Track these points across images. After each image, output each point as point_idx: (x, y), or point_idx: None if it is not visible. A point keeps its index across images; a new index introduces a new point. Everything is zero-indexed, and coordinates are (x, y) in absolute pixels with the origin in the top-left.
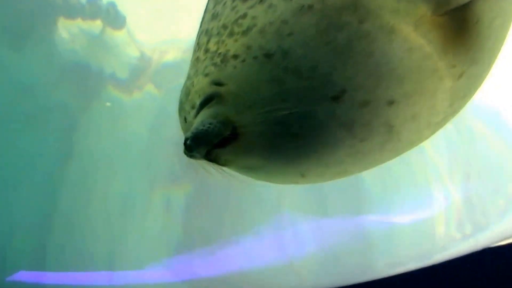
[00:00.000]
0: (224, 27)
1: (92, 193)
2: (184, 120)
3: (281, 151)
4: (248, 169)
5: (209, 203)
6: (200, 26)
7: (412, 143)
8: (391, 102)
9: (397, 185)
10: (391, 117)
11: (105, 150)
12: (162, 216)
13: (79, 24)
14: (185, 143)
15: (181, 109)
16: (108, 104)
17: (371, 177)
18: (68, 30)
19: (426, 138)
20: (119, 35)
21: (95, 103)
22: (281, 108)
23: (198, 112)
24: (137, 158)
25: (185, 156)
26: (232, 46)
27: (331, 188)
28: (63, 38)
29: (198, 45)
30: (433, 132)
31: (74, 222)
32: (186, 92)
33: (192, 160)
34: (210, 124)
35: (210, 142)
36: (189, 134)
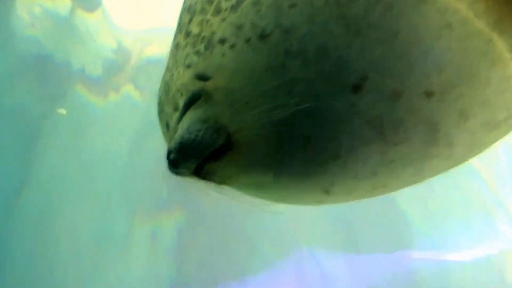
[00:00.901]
0: (209, 1)
1: (56, 226)
2: (166, 126)
3: (292, 161)
4: (253, 187)
5: (208, 235)
6: (184, 1)
7: (467, 150)
8: (429, 94)
9: (447, 215)
10: (432, 113)
11: (73, 170)
12: (147, 251)
13: (42, 2)
14: (168, 157)
15: (161, 111)
16: (63, 112)
17: (413, 203)
18: (28, 11)
19: (487, 144)
20: (91, 19)
21: (59, 108)
22: (286, 104)
23: (182, 115)
24: (113, 179)
25: (172, 174)
26: (219, 27)
27: (362, 217)
28: (21, 21)
29: (179, 26)
30: (496, 137)
31: (34, 264)
32: (166, 89)
33: (182, 179)
34: (198, 131)
35: (200, 155)
36: (172, 145)
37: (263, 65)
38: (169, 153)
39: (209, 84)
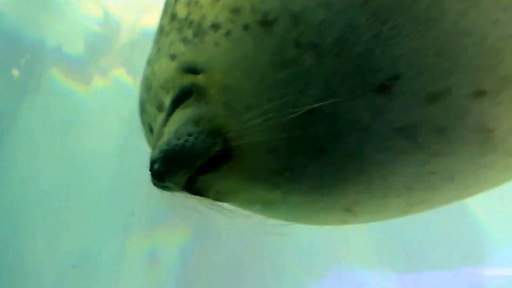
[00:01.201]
0: None
1: (31, 246)
2: (149, 129)
3: (304, 176)
4: (259, 205)
5: (219, 255)
6: None
7: None
8: (479, 93)
9: None
10: (484, 116)
11: (50, 175)
12: (143, 276)
13: None
14: (151, 168)
15: (142, 111)
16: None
17: (486, 208)
18: None
19: None
20: None
21: (32, 97)
22: (296, 106)
23: (168, 116)
24: (101, 186)
25: (158, 189)
26: (211, 9)
27: (419, 225)
28: None
29: (165, 6)
30: None
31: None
32: (147, 85)
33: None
34: (188, 135)
35: (191, 165)
36: (156, 153)
37: (267, 59)
38: (152, 163)
39: (200, 78)
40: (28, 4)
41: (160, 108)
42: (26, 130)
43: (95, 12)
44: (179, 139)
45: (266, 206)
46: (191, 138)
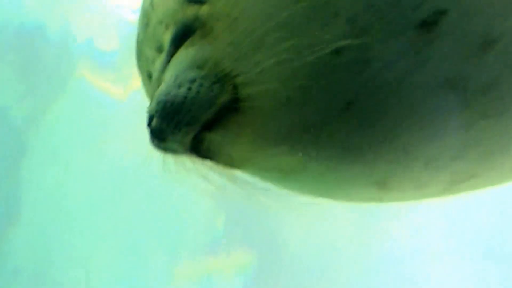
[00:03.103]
0: None
1: (66, 275)
2: (148, 76)
3: (328, 135)
4: (276, 174)
5: (291, 282)
6: None
7: None
8: None
9: None
10: None
11: (80, 194)
12: None
13: None
14: (149, 124)
15: (140, 55)
16: None
17: None
18: None
19: None
20: None
21: (59, 102)
22: (319, 44)
23: (169, 59)
24: (143, 206)
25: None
26: None
27: None
28: None
29: None
30: None
31: None
32: (144, 21)
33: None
34: (191, 81)
35: (195, 120)
36: (153, 106)
37: None
38: (150, 118)
39: (205, 10)
40: None
41: (159, 49)
42: (52, 141)
43: (130, 0)
44: (180, 87)
45: (285, 175)
46: (195, 86)
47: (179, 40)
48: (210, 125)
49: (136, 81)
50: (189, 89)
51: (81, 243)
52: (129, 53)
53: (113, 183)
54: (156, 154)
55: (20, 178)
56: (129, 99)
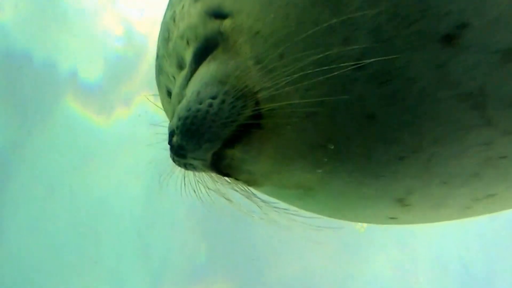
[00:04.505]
0: None
1: None
2: (167, 93)
3: (348, 150)
4: (296, 193)
5: None
6: None
7: None
8: None
9: None
10: None
11: (62, 226)
12: None
13: None
14: (170, 141)
15: (159, 70)
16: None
17: None
18: None
19: None
20: None
21: (43, 130)
22: (341, 58)
23: (190, 76)
24: (125, 236)
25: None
26: None
27: None
28: None
29: None
30: None
31: None
32: (165, 35)
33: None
34: (212, 98)
35: (216, 136)
36: (174, 123)
37: None
38: (170, 135)
39: (227, 24)
40: (37, 20)
41: (179, 65)
42: (35, 168)
43: (116, 28)
44: (201, 103)
45: (304, 193)
46: (216, 102)
47: (200, 55)
48: (231, 142)
49: (120, 110)
50: (211, 105)
51: (63, 268)
52: (114, 81)
53: (96, 208)
54: (138, 181)
55: (4, 203)
56: (113, 127)
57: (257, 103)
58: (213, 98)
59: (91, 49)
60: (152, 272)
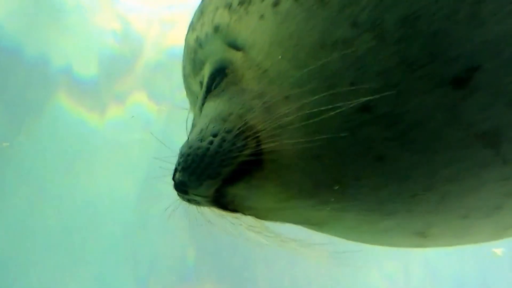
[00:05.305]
0: None
1: None
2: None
3: (358, 189)
4: (307, 226)
5: None
6: None
7: None
8: None
9: None
10: None
11: (54, 225)
12: None
13: None
14: (173, 177)
15: (187, 89)
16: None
17: None
18: None
19: None
20: None
21: (34, 128)
22: (347, 99)
23: (206, 94)
24: (116, 237)
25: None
26: None
27: None
28: None
29: None
30: None
31: None
32: (191, 56)
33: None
34: (214, 135)
35: (216, 174)
36: (178, 160)
37: (316, 38)
38: (174, 172)
39: (239, 58)
40: (30, 15)
41: (201, 84)
42: (25, 168)
43: (113, 25)
44: (202, 140)
45: (314, 227)
46: (217, 140)
47: (214, 77)
48: (232, 178)
49: (113, 109)
50: (211, 143)
51: (51, 269)
52: (108, 79)
53: (86, 210)
54: (128, 183)
55: None
56: (106, 127)
57: (258, 142)
58: (214, 136)
59: (86, 46)
60: (139, 276)
